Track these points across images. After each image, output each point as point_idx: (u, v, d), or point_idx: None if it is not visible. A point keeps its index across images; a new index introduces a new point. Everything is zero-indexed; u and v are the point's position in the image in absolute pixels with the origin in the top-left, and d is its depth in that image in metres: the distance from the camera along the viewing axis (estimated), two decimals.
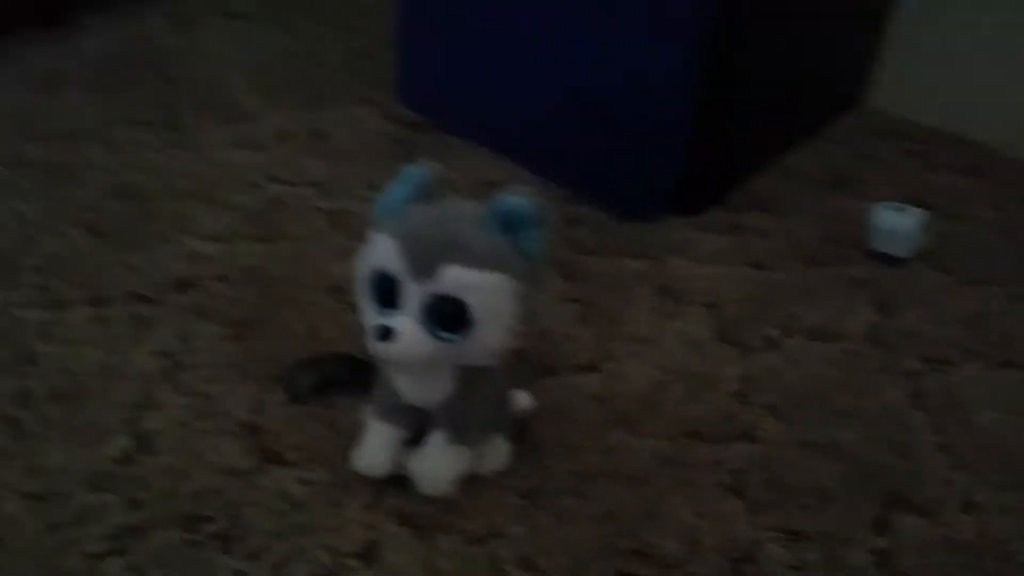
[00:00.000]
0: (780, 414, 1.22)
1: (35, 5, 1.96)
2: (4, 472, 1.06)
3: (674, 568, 1.02)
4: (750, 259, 1.50)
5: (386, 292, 0.97)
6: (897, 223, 1.49)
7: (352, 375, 1.20)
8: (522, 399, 1.16)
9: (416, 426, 1.09)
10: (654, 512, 1.08)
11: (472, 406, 1.05)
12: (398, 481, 1.08)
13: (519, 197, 0.95)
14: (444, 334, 0.95)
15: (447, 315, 0.95)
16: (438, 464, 1.07)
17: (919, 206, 1.53)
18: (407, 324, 0.95)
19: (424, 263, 0.94)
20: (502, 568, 1.01)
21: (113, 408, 1.15)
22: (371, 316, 0.98)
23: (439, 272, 0.94)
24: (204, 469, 1.09)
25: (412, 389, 1.05)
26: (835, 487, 1.13)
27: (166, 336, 1.26)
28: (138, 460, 1.09)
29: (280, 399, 1.18)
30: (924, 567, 1.05)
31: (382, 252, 0.97)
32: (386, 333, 0.95)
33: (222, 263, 1.40)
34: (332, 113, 1.79)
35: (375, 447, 1.09)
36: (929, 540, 1.08)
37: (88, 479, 1.06)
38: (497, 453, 1.12)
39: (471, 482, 1.08)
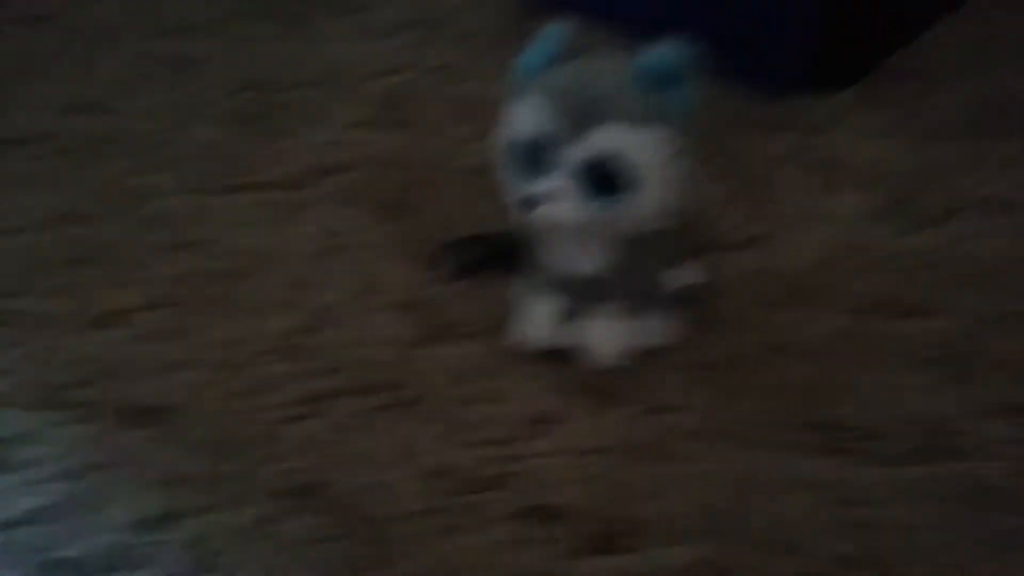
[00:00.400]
0: (968, 286, 1.16)
1: None
2: (183, 345, 1.08)
3: (864, 440, 0.99)
4: (906, 132, 1.41)
5: (534, 158, 0.93)
6: None
7: (508, 251, 1.17)
8: (692, 273, 1.12)
9: (579, 298, 1.06)
10: (840, 385, 1.04)
11: (635, 275, 1.02)
12: (563, 353, 1.06)
13: (668, 51, 0.91)
14: (601, 197, 0.92)
15: (602, 176, 0.91)
16: (606, 334, 1.05)
17: None
18: (560, 188, 0.92)
19: (574, 123, 0.90)
20: (679, 438, 0.99)
21: (278, 287, 1.15)
22: (519, 185, 0.95)
23: (592, 131, 0.90)
24: (381, 341, 1.09)
25: (569, 259, 1.02)
26: None
27: (319, 219, 1.25)
28: (314, 333, 1.10)
29: (439, 276, 1.17)
30: None
31: (527, 115, 0.93)
32: (537, 200, 0.92)
33: (360, 150, 1.38)
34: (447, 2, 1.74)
35: (538, 318, 1.07)
36: None
37: (266, 350, 1.07)
38: (664, 326, 1.08)
39: (640, 354, 1.06)
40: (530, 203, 0.92)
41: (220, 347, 1.07)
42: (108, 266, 1.17)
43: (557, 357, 1.06)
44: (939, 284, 1.17)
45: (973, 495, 0.94)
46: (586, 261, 1.01)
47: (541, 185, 0.92)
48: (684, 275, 1.11)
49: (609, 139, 0.90)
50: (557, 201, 0.91)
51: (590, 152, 0.90)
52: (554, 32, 0.95)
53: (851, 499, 0.93)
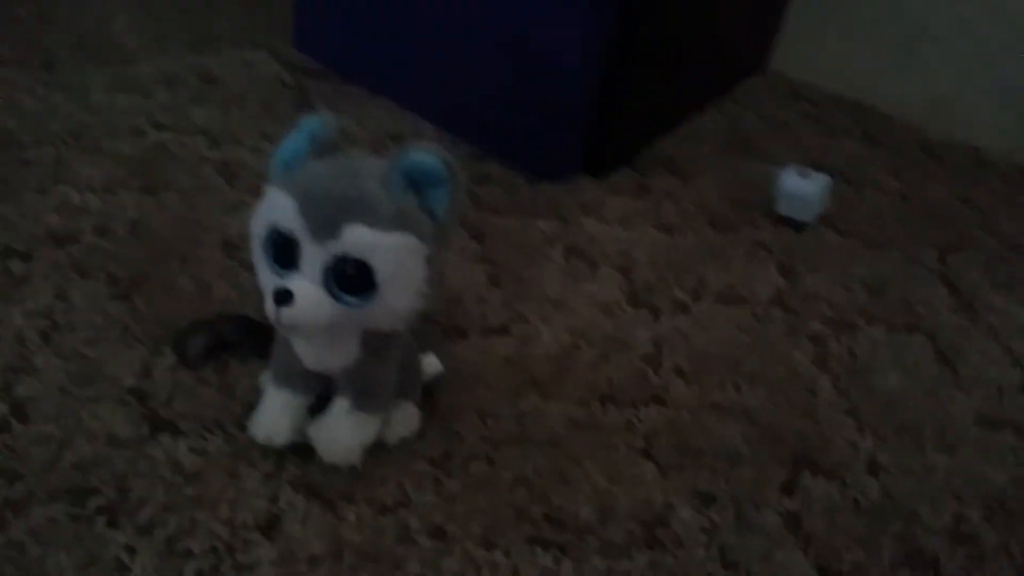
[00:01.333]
0: (689, 377, 1.22)
1: None
2: None
3: (587, 533, 1.01)
4: (659, 222, 1.49)
5: (284, 252, 0.90)
6: (802, 188, 1.50)
7: (247, 338, 1.13)
8: (430, 363, 1.12)
9: (317, 392, 1.03)
10: (566, 477, 1.06)
11: (378, 372, 1.00)
12: (300, 450, 1.02)
13: (426, 152, 0.89)
14: (347, 297, 0.89)
15: (350, 277, 0.89)
16: (342, 432, 1.01)
17: (820, 170, 1.55)
18: (307, 287, 0.89)
19: (325, 222, 0.87)
20: (412, 538, 0.97)
21: None
22: (268, 278, 0.91)
23: (341, 232, 0.87)
24: (87, 438, 1.00)
25: (313, 355, 0.99)
26: (744, 450, 1.13)
27: (43, 294, 1.15)
28: (14, 429, 1.00)
29: (170, 363, 1.10)
30: (832, 528, 1.06)
31: (279, 209, 0.89)
32: (285, 296, 0.88)
33: (103, 215, 1.29)
34: (222, 57, 1.68)
35: (275, 414, 1.03)
36: (836, 502, 1.10)
37: None
38: (406, 420, 1.07)
39: (378, 450, 1.04)
40: (276, 298, 0.88)
41: None
42: None
43: (295, 453, 1.02)
44: (665, 373, 1.22)
45: None
46: (328, 357, 0.98)
47: (288, 282, 0.89)
48: (426, 366, 1.10)
49: (357, 240, 0.87)
50: (302, 300, 0.88)
51: (337, 252, 0.88)
52: (312, 124, 0.92)
53: None
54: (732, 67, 1.90)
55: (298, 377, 1.01)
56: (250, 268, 1.21)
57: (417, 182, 0.90)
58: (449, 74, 1.56)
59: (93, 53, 1.62)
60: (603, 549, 1.00)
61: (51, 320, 1.13)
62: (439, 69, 1.57)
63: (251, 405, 1.04)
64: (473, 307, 1.27)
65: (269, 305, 0.89)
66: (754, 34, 1.92)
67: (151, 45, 1.68)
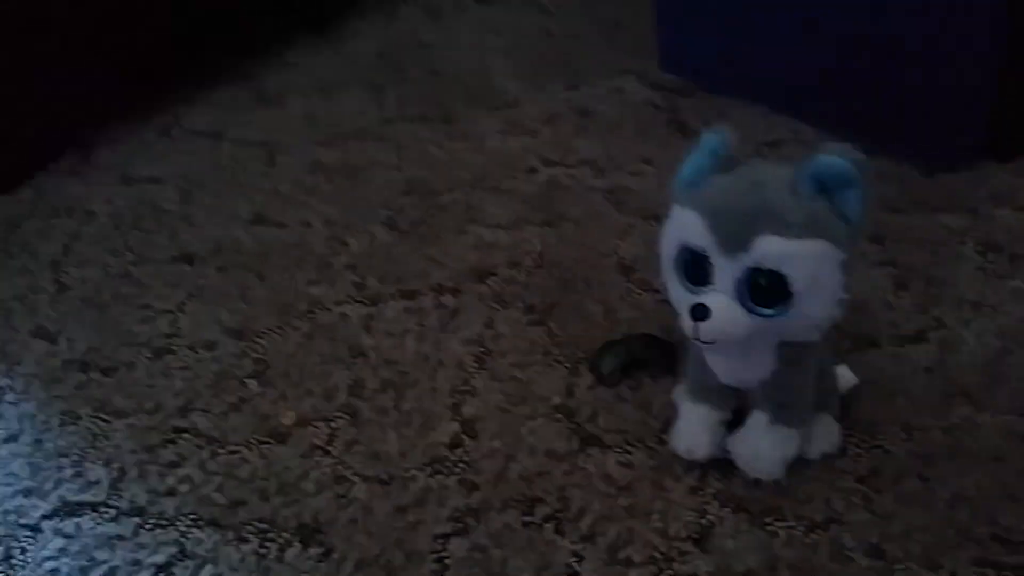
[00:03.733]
0: None
1: (303, 15, 2.09)
2: (350, 459, 1.13)
3: None
4: None
5: (696, 269, 0.93)
6: None
7: (657, 355, 1.18)
8: (843, 375, 1.09)
9: (733, 406, 1.05)
10: (1014, 494, 0.98)
11: (796, 384, 1.00)
12: (720, 464, 1.05)
13: (835, 155, 0.88)
14: (763, 310, 0.90)
15: (765, 289, 0.89)
16: (764, 446, 1.02)
17: None
18: (723, 301, 0.91)
19: (735, 236, 0.89)
20: (849, 556, 0.95)
21: (437, 395, 1.20)
22: (681, 295, 0.95)
23: (753, 244, 0.88)
24: (528, 452, 1.11)
25: (728, 369, 1.01)
26: None
27: (473, 324, 1.30)
28: (466, 444, 1.13)
29: (589, 382, 1.19)
30: None
31: (688, 227, 0.93)
32: (702, 312, 0.91)
33: (513, 250, 1.42)
34: (595, 88, 1.78)
35: (694, 428, 1.06)
36: None
37: (425, 463, 1.11)
38: (827, 434, 1.05)
39: (800, 465, 1.03)
40: (692, 314, 0.92)
41: (386, 460, 1.12)
42: (282, 380, 1.25)
43: (716, 467, 1.05)
44: None
45: None
46: (743, 370, 1.00)
47: (703, 297, 0.92)
48: (840, 378, 1.07)
49: (770, 251, 0.88)
50: (718, 315, 0.91)
51: (750, 265, 0.89)
52: (712, 140, 0.94)
53: None
54: None
55: (714, 391, 1.04)
56: (648, 289, 1.28)
57: (827, 186, 0.88)
58: (826, 72, 1.51)
59: (480, 100, 1.80)
60: None
61: (483, 347, 1.26)
62: (814, 68, 1.52)
63: (668, 420, 1.09)
64: (881, 314, 1.21)
65: (686, 321, 0.93)
66: None
67: (529, 86, 1.82)
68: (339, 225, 1.52)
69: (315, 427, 1.17)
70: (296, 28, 2.07)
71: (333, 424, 1.18)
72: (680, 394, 1.09)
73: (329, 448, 1.15)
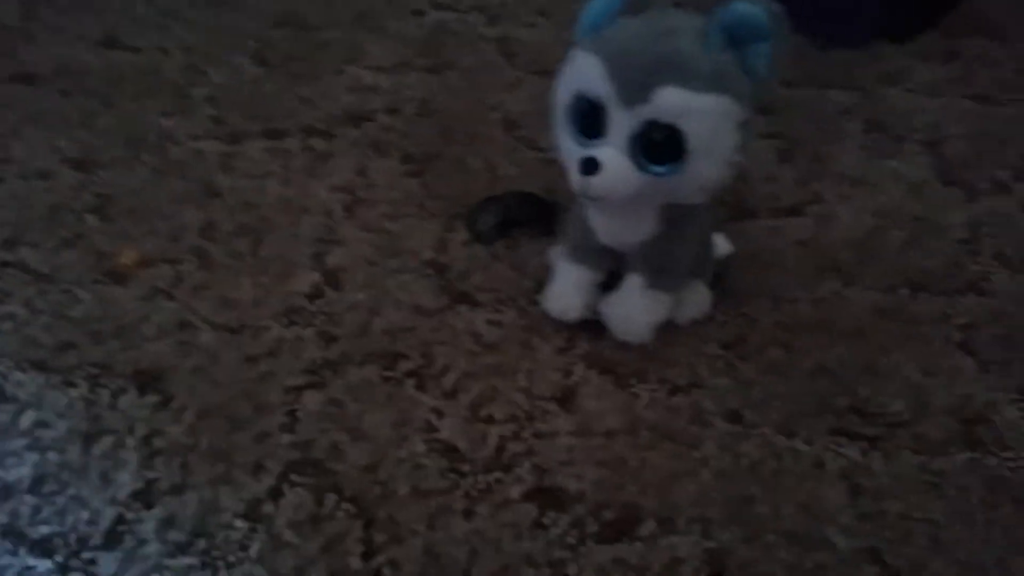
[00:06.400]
0: (1013, 264, 1.09)
1: None
2: (197, 304, 1.05)
3: (898, 428, 0.94)
4: (974, 90, 1.32)
5: (590, 119, 0.86)
6: None
7: (536, 215, 1.13)
8: (719, 244, 1.07)
9: (609, 268, 1.02)
10: (874, 368, 0.99)
11: (675, 248, 0.97)
12: (591, 326, 1.02)
13: (751, 4, 0.81)
14: (655, 167, 0.85)
15: (660, 144, 0.84)
16: (636, 309, 1.00)
17: None
18: (615, 155, 0.85)
19: (636, 85, 0.82)
20: (707, 420, 0.95)
21: (298, 243, 1.12)
22: (572, 148, 0.89)
23: (653, 95, 0.82)
24: (394, 306, 1.06)
25: (610, 229, 0.96)
26: None
27: (344, 170, 1.21)
28: (327, 295, 1.07)
29: (463, 238, 1.13)
30: None
31: (586, 74, 0.85)
32: (591, 166, 0.85)
33: (393, 95, 1.33)
34: None
35: (567, 289, 1.03)
36: None
37: (280, 313, 1.05)
38: (698, 300, 1.04)
39: (669, 329, 1.02)
40: (582, 167, 0.86)
41: (238, 308, 1.05)
42: (125, 217, 1.15)
43: (586, 328, 1.02)
44: (984, 259, 1.10)
45: (1003, 489, 0.89)
46: (625, 230, 0.96)
47: (594, 150, 0.86)
48: (716, 247, 1.05)
49: (670, 103, 0.82)
50: (608, 169, 0.85)
51: (647, 118, 0.83)
52: None
53: (882, 491, 0.89)
54: None
55: (592, 252, 1.00)
56: (533, 147, 1.22)
57: (738, 38, 0.82)
58: None
59: None
60: (917, 444, 0.92)
61: (353, 195, 1.18)
62: None
63: (541, 281, 1.05)
64: (763, 186, 1.19)
65: (574, 175, 0.87)
66: None
67: None
68: (200, 54, 1.38)
69: (159, 269, 1.08)
70: None
71: (180, 267, 1.09)
72: (556, 254, 1.05)
73: (173, 292, 1.06)
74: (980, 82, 1.33)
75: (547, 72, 0.91)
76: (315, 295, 1.07)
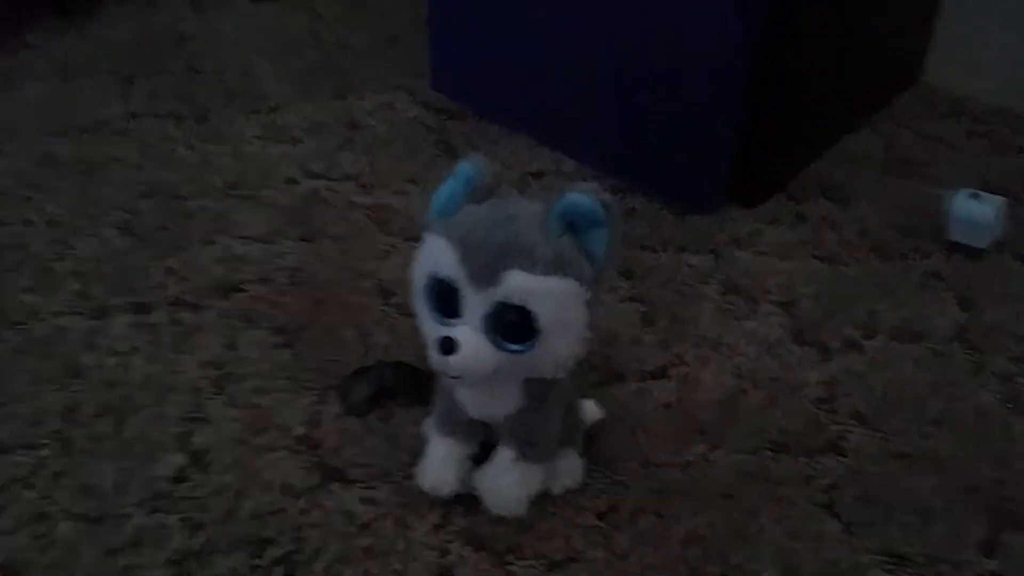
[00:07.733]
0: (868, 422, 1.15)
1: None
2: (57, 493, 1.00)
3: None
4: (820, 252, 1.42)
5: (445, 299, 0.89)
6: (975, 211, 1.40)
7: (409, 385, 1.13)
8: (590, 409, 1.09)
9: (481, 441, 1.02)
10: (744, 533, 1.02)
11: (541, 420, 0.99)
12: (465, 500, 1.01)
13: (583, 194, 0.87)
14: (510, 345, 0.88)
15: (512, 324, 0.87)
16: (508, 483, 1.00)
17: (992, 192, 1.45)
18: (471, 335, 0.88)
19: (485, 269, 0.87)
20: None
21: (164, 422, 1.09)
22: (430, 326, 0.91)
23: (501, 278, 0.86)
24: (263, 488, 1.03)
25: (476, 403, 0.98)
26: (936, 504, 1.05)
27: (213, 344, 1.19)
28: (193, 479, 1.03)
29: (336, 411, 1.12)
30: None
31: (439, 257, 0.89)
32: (449, 346, 0.87)
33: (264, 265, 1.33)
34: (364, 101, 1.71)
35: (440, 464, 1.02)
36: None
37: (143, 500, 1.00)
38: (570, 469, 1.05)
39: (544, 500, 1.02)
40: (439, 347, 0.88)
41: (99, 495, 1.00)
42: None
43: (461, 503, 1.01)
44: (841, 417, 1.15)
45: None
46: (491, 405, 0.97)
47: (450, 330, 0.88)
48: (586, 412, 1.08)
49: (518, 287, 0.86)
50: (465, 349, 0.87)
51: (498, 300, 0.87)
52: (468, 169, 0.91)
53: None
54: (884, 81, 1.80)
55: (461, 425, 1.01)
56: (406, 314, 1.23)
57: (575, 224, 0.88)
58: (587, 108, 1.54)
59: (241, 102, 1.67)
60: None
61: (221, 369, 1.16)
62: (576, 103, 1.55)
63: (416, 453, 1.04)
64: (628, 349, 1.23)
65: (434, 354, 0.89)
66: (905, 44, 1.82)
67: (295, 92, 1.71)
68: (65, 226, 1.36)
69: (17, 456, 1.03)
70: (38, 5, 1.85)
71: (40, 453, 1.04)
72: (428, 427, 1.05)
73: (32, 480, 1.01)
74: (827, 244, 1.43)
75: (419, 239, 0.93)
76: (180, 478, 1.03)
